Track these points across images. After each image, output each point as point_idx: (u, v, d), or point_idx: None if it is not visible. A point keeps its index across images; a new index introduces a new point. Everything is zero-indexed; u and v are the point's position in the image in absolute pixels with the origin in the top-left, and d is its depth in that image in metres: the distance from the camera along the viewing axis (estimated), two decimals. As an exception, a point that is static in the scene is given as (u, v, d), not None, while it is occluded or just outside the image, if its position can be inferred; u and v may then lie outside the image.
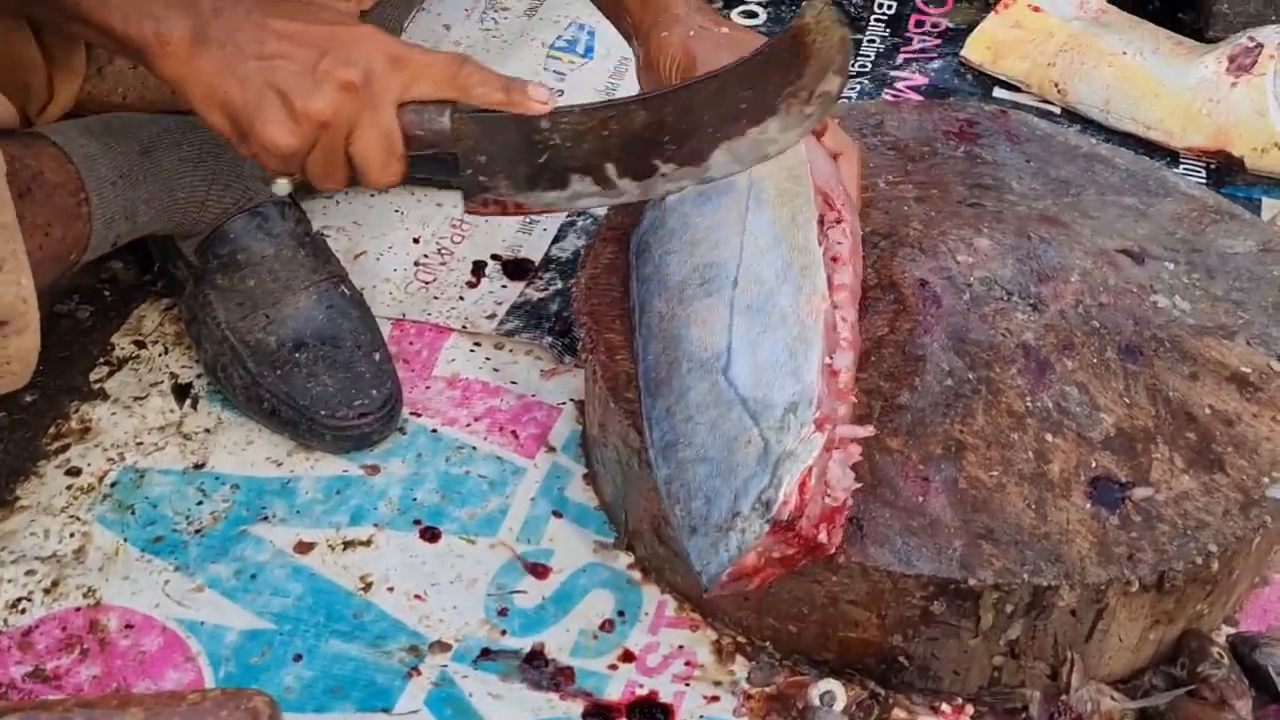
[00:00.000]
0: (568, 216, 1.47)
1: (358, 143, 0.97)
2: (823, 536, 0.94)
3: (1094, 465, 1.04)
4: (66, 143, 1.14)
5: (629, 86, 1.65)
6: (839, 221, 1.08)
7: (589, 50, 1.71)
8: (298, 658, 1.07)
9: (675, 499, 0.98)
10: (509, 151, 1.01)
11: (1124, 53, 1.58)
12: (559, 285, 1.39)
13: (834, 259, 1.06)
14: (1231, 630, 1.10)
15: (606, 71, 1.68)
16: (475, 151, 1.01)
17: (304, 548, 1.15)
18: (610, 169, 1.02)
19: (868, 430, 0.99)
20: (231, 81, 0.94)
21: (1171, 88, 1.55)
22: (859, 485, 0.98)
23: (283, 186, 1.02)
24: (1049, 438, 1.05)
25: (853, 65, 1.69)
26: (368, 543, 1.16)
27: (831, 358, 0.99)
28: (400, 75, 0.97)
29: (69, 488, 1.19)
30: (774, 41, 1.01)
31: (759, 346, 0.99)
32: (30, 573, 1.11)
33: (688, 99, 1.01)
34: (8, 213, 0.97)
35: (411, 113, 0.98)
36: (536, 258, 1.43)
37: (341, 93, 0.95)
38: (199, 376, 1.29)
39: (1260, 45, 1.52)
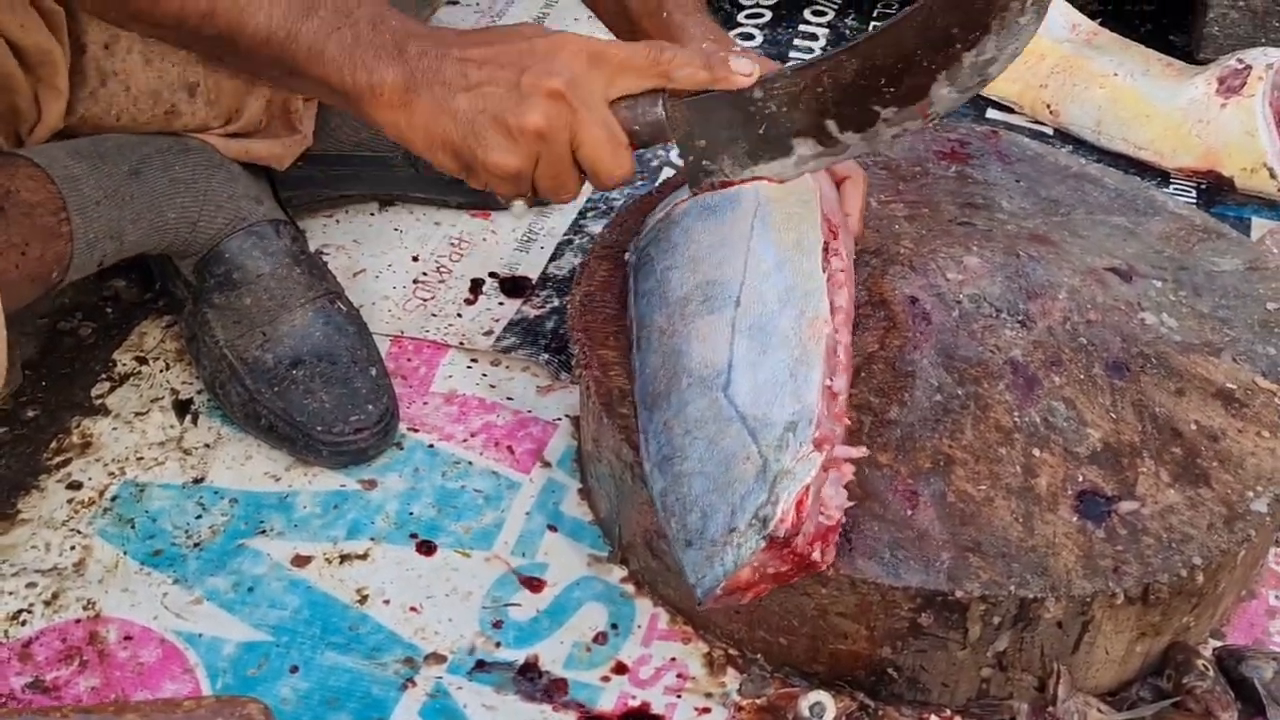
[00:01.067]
0: (565, 235, 1.49)
1: (582, 147, 0.99)
2: (816, 554, 0.95)
3: (1080, 479, 1.06)
4: (50, 163, 1.15)
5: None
6: (838, 253, 1.10)
7: (587, 70, 1.73)
8: (294, 669, 1.08)
9: (671, 512, 0.99)
10: (727, 130, 1.02)
11: (1115, 74, 1.60)
12: (555, 303, 1.40)
13: (832, 283, 1.08)
14: (1218, 643, 1.11)
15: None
16: (693, 137, 1.02)
17: (301, 561, 1.16)
18: (832, 125, 1.02)
19: (861, 451, 1.01)
20: (446, 119, 0.97)
21: (1162, 109, 1.57)
22: (852, 504, 0.99)
23: (520, 209, 1.04)
24: (1036, 452, 1.07)
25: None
26: (364, 556, 1.17)
27: (831, 380, 1.00)
28: (602, 72, 0.99)
29: (70, 501, 1.20)
30: None
31: (760, 366, 1.01)
32: (31, 585, 1.13)
33: (895, 36, 0.98)
34: None
35: (624, 109, 1.00)
36: (534, 275, 1.44)
37: (551, 102, 0.97)
38: (199, 393, 1.30)
39: (1249, 67, 1.54)
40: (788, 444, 0.95)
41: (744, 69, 1.00)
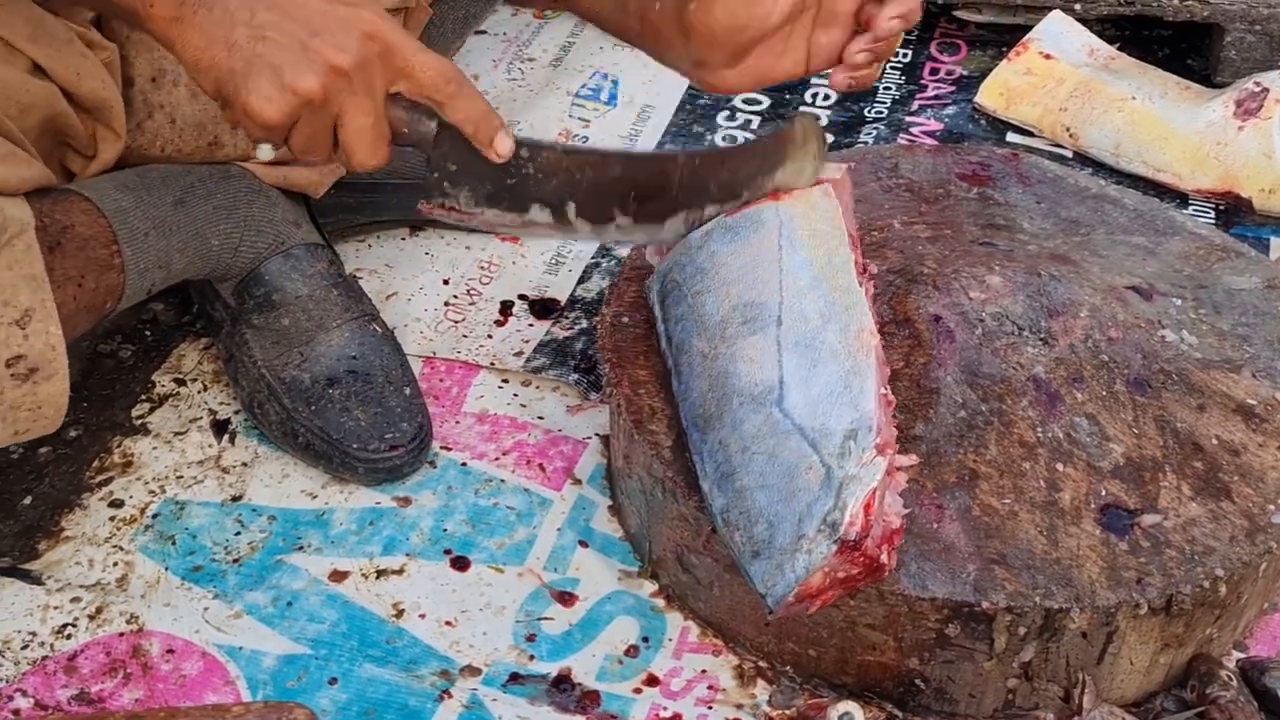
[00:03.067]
0: (592, 258, 1.51)
1: (348, 127, 0.97)
2: (884, 557, 0.98)
3: (1103, 493, 1.07)
4: (100, 197, 1.18)
5: (651, 133, 1.70)
6: (866, 268, 1.13)
7: (612, 98, 1.76)
8: (333, 681, 1.10)
9: (734, 526, 1.01)
10: (481, 167, 1.04)
11: (1133, 98, 1.63)
12: (584, 324, 1.43)
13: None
14: (1241, 655, 1.13)
15: (629, 119, 1.73)
16: (448, 159, 1.04)
17: (338, 576, 1.19)
18: (570, 208, 1.08)
19: (913, 459, 1.04)
20: (219, 48, 0.93)
21: (1180, 131, 1.59)
22: (909, 510, 1.02)
23: (265, 152, 1.02)
24: (1060, 467, 1.09)
25: (868, 111, 1.74)
26: (400, 571, 1.19)
27: (885, 388, 1.03)
28: (390, 66, 0.97)
29: (112, 519, 1.23)
30: (758, 142, 1.06)
31: (812, 380, 1.04)
32: (75, 600, 1.16)
33: (664, 168, 1.07)
34: (37, 265, 1.01)
35: (401, 108, 1.00)
36: (562, 297, 1.47)
37: (332, 75, 0.94)
38: (236, 413, 1.33)
39: (1266, 90, 1.56)
40: (849, 451, 0.98)
41: (503, 150, 1.01)
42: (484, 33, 1.86)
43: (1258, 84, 1.58)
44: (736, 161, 1.13)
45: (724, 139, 1.69)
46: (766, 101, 1.76)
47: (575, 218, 1.08)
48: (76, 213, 1.13)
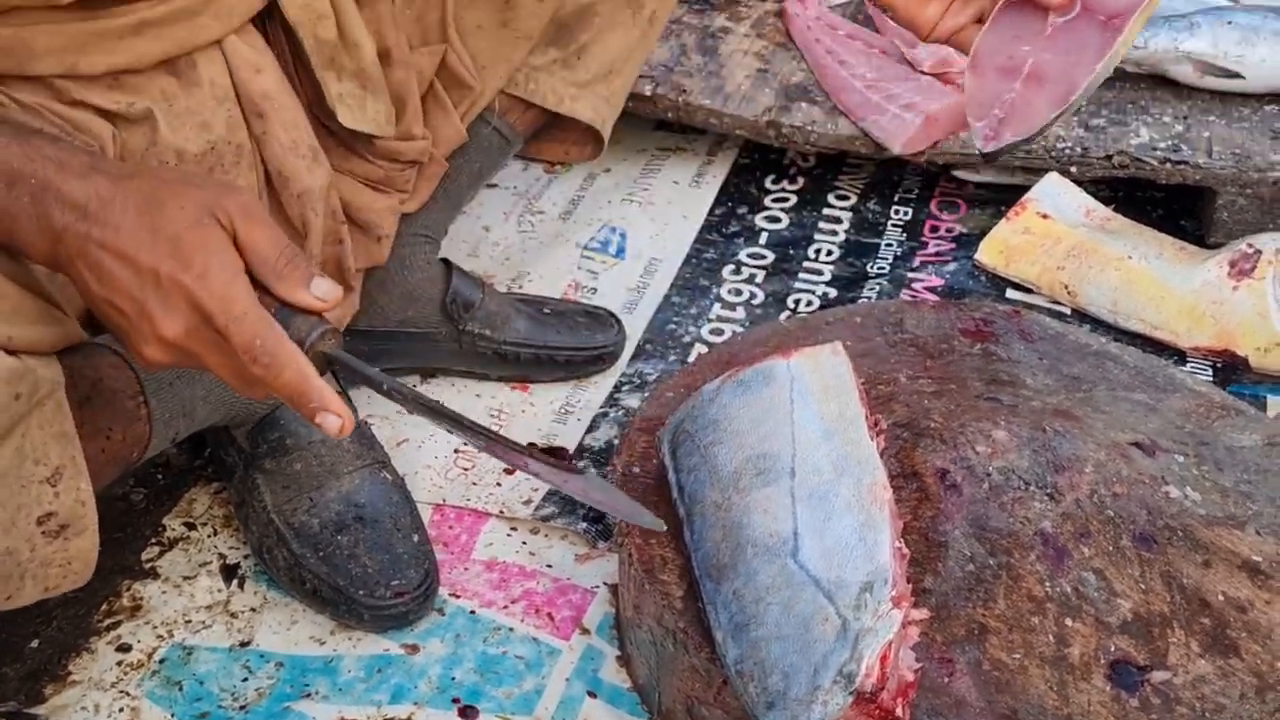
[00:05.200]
0: (601, 407, 1.54)
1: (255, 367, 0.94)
2: (899, 710, 0.98)
3: (1113, 649, 1.08)
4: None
5: (658, 286, 1.74)
6: (877, 423, 1.15)
7: (620, 251, 1.80)
8: (338, 833, 1.09)
9: (749, 677, 1.02)
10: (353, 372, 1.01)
11: (1129, 257, 1.67)
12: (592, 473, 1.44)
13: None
14: (1254, 816, 1.12)
15: (637, 271, 1.76)
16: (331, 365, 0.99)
17: (345, 725, 1.18)
18: (398, 396, 1.02)
19: (925, 613, 1.05)
20: (89, 299, 0.94)
21: (1176, 290, 1.63)
22: (921, 664, 1.02)
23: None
24: (1068, 622, 1.09)
25: (871, 267, 1.78)
26: (408, 720, 1.19)
27: (899, 541, 1.05)
28: (214, 332, 0.93)
29: (119, 663, 1.23)
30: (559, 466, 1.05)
31: (826, 532, 1.06)
32: (80, 746, 1.15)
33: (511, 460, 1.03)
34: (67, 423, 1.02)
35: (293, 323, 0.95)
36: (571, 446, 1.49)
37: (167, 345, 0.93)
38: (246, 557, 1.34)
39: (1259, 251, 1.60)
40: (865, 604, 1.00)
41: (330, 426, 0.95)
42: (495, 186, 1.91)
43: (1250, 245, 1.62)
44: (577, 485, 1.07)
45: (729, 292, 1.73)
46: (771, 256, 1.80)
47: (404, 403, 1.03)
48: (105, 366, 1.15)
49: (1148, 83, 1.90)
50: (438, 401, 1.02)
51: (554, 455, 1.47)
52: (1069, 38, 1.12)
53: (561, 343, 1.57)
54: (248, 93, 1.23)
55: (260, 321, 0.92)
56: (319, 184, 1.28)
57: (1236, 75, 1.84)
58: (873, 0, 1.20)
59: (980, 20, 1.17)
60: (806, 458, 1.10)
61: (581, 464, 1.45)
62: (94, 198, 0.93)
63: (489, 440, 1.01)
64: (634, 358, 1.62)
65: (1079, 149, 1.78)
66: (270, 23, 1.27)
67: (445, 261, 1.55)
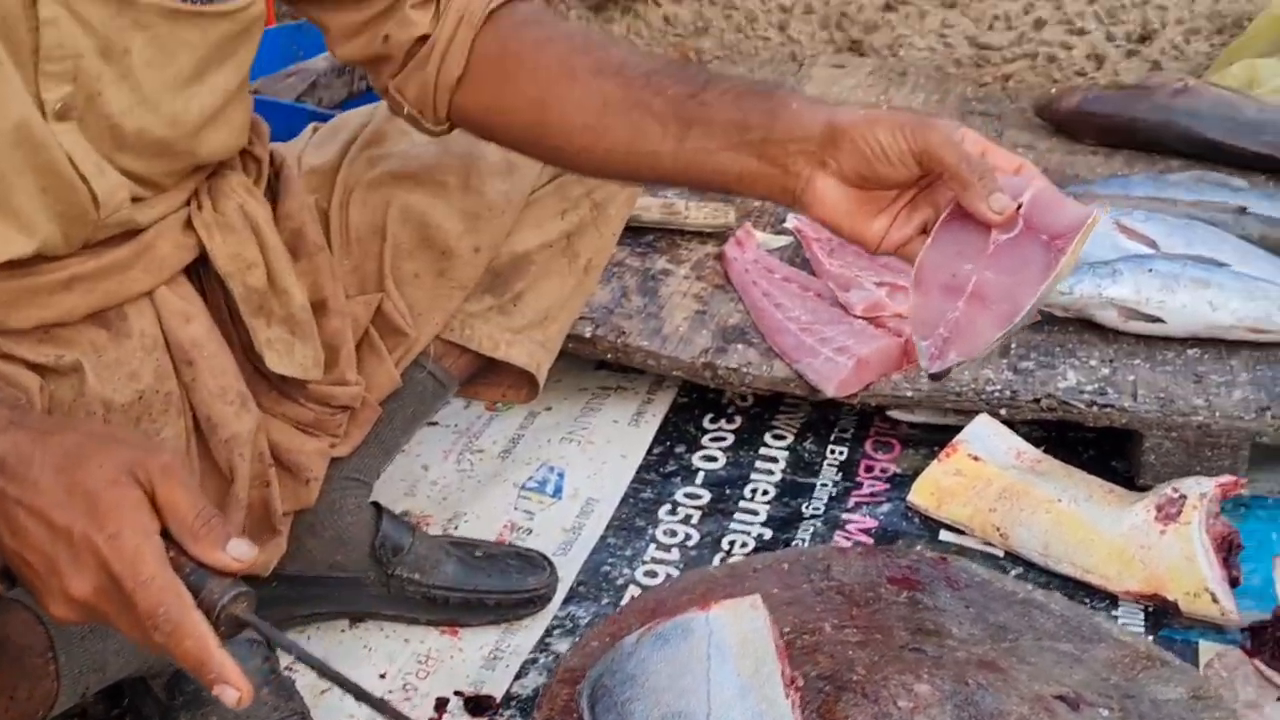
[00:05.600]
0: (530, 653, 1.52)
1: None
2: None
3: None
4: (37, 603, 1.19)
5: (594, 526, 1.74)
6: (794, 680, 1.15)
7: (558, 491, 1.81)
8: None
9: None
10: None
11: (1059, 500, 1.68)
12: (518, 723, 1.42)
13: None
14: None
15: (574, 512, 1.77)
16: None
17: None
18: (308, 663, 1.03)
19: None
20: (4, 551, 0.94)
21: (1105, 534, 1.64)
22: None
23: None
24: None
25: (806, 508, 1.79)
26: None
27: None
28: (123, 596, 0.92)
29: None
30: None
31: None
32: None
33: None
34: None
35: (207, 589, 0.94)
36: (498, 694, 1.47)
37: (76, 604, 0.92)
38: (158, 813, 1.30)
39: (1184, 496, 1.62)
40: None
41: (228, 699, 0.93)
42: (436, 424, 1.93)
43: (1176, 490, 1.64)
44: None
45: (665, 533, 1.73)
46: (708, 496, 1.81)
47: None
48: (15, 623, 1.13)
49: (1075, 326, 1.95)
50: (340, 674, 1.01)
51: (480, 705, 1.45)
52: (1012, 256, 1.10)
53: (492, 586, 1.56)
54: (177, 341, 1.25)
55: (166, 588, 0.92)
56: (246, 429, 1.29)
57: (1159, 320, 1.90)
58: (821, 220, 1.18)
59: (926, 231, 1.15)
60: (722, 716, 1.09)
61: None
62: (12, 453, 0.94)
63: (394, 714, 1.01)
64: (567, 600, 1.61)
65: (1008, 392, 1.81)
66: (203, 270, 1.30)
67: (376, 505, 1.55)
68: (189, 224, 1.26)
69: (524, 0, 1.30)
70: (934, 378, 1.13)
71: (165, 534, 0.94)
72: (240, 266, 1.28)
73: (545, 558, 1.62)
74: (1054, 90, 2.87)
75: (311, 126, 1.59)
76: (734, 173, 1.19)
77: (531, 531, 1.73)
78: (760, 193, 1.20)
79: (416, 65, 1.28)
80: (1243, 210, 2.14)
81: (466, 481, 1.83)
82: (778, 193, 1.18)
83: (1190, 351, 1.89)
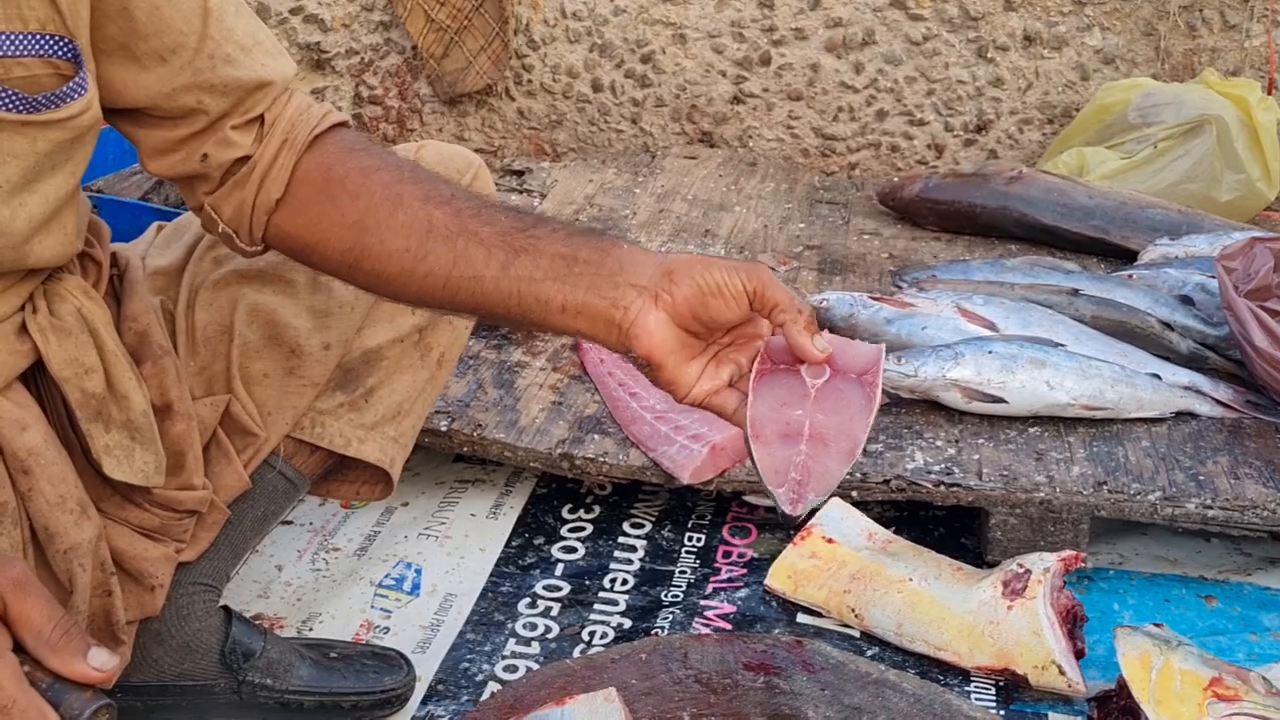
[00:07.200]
0: (388, 756, 1.50)
1: None
2: None
3: None
4: None
5: (453, 622, 1.73)
6: None
7: (415, 588, 1.79)
8: None
9: None
10: None
11: (910, 579, 1.72)
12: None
13: None
14: None
15: (432, 608, 1.75)
16: None
17: None
18: None
19: None
20: None
21: (955, 611, 1.68)
22: None
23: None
24: None
25: (665, 595, 1.80)
26: None
27: None
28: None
29: None
30: None
31: None
32: None
33: None
34: None
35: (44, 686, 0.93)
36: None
37: None
38: None
39: (1029, 571, 1.67)
40: None
41: None
42: (290, 523, 1.90)
43: (1021, 565, 1.68)
44: None
45: (524, 626, 1.72)
46: (567, 588, 1.81)
47: None
48: None
49: (921, 408, 2.01)
50: None
51: (336, 811, 1.42)
52: (833, 397, 1.17)
53: (348, 688, 1.53)
54: (13, 449, 1.22)
55: (29, 710, 0.89)
56: (87, 538, 1.26)
57: (1000, 400, 1.96)
58: (646, 355, 1.17)
59: (731, 384, 1.20)
60: None
61: None
62: None
63: None
64: (426, 699, 1.59)
65: (859, 474, 1.85)
66: (40, 375, 1.27)
67: (226, 609, 1.52)
68: (24, 329, 1.24)
69: (348, 128, 1.31)
70: (793, 522, 1.16)
71: (18, 649, 0.92)
72: (77, 371, 1.26)
73: (403, 656, 1.60)
74: (896, 178, 2.97)
75: (155, 225, 1.58)
76: (558, 302, 1.18)
77: (389, 630, 1.70)
78: (582, 326, 1.18)
79: (235, 185, 1.27)
80: (1075, 293, 2.23)
81: (322, 581, 1.80)
82: (602, 326, 1.17)
83: (1031, 430, 1.96)
